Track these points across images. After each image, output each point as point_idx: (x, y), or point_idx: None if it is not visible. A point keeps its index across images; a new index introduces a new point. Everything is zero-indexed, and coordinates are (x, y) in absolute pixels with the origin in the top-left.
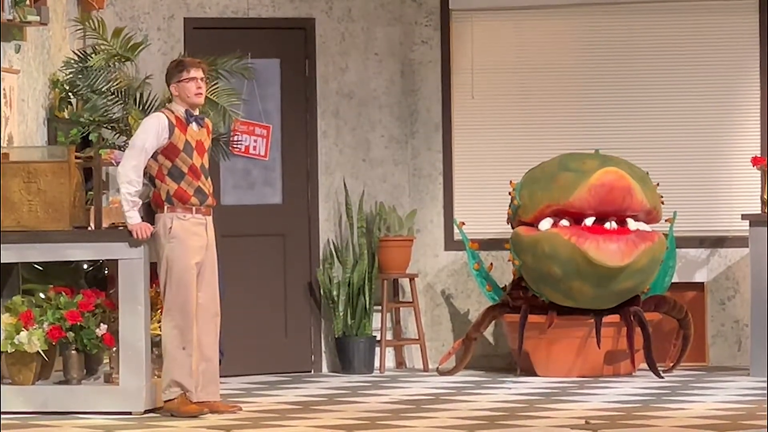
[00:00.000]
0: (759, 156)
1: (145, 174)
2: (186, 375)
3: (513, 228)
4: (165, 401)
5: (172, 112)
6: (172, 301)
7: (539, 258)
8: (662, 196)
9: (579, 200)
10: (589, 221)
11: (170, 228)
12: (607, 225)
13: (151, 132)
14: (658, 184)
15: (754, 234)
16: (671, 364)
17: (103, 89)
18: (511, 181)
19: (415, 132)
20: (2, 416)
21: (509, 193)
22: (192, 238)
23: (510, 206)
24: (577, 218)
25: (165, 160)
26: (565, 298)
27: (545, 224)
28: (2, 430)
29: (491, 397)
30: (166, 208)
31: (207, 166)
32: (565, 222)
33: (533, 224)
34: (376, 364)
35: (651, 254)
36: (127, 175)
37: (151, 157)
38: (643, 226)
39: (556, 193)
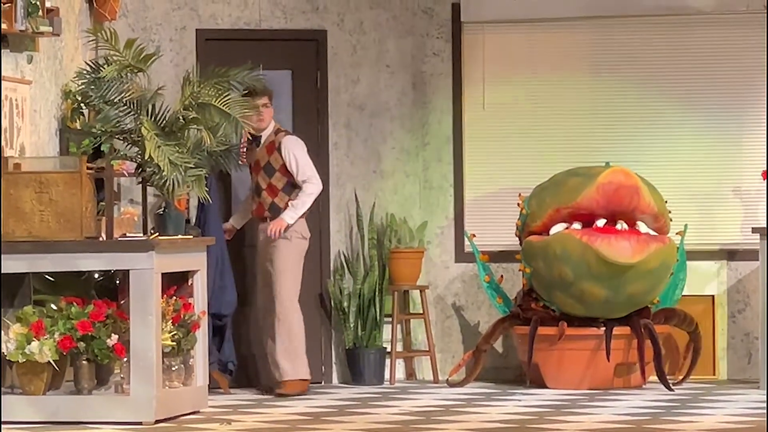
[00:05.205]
0: None
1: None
2: None
3: (521, 240)
4: None
5: None
6: None
7: (550, 261)
8: (671, 211)
9: (587, 200)
10: (600, 223)
11: None
12: (618, 226)
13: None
14: (666, 201)
15: (764, 247)
16: (681, 377)
17: (115, 100)
18: (519, 194)
19: (427, 144)
20: (13, 426)
21: (518, 205)
22: None
23: (519, 217)
24: (586, 222)
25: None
26: (577, 303)
27: (557, 229)
28: None
29: (501, 409)
30: None
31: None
32: (576, 225)
33: (542, 233)
34: (387, 375)
35: (662, 256)
36: None
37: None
38: (653, 233)
39: (565, 196)
